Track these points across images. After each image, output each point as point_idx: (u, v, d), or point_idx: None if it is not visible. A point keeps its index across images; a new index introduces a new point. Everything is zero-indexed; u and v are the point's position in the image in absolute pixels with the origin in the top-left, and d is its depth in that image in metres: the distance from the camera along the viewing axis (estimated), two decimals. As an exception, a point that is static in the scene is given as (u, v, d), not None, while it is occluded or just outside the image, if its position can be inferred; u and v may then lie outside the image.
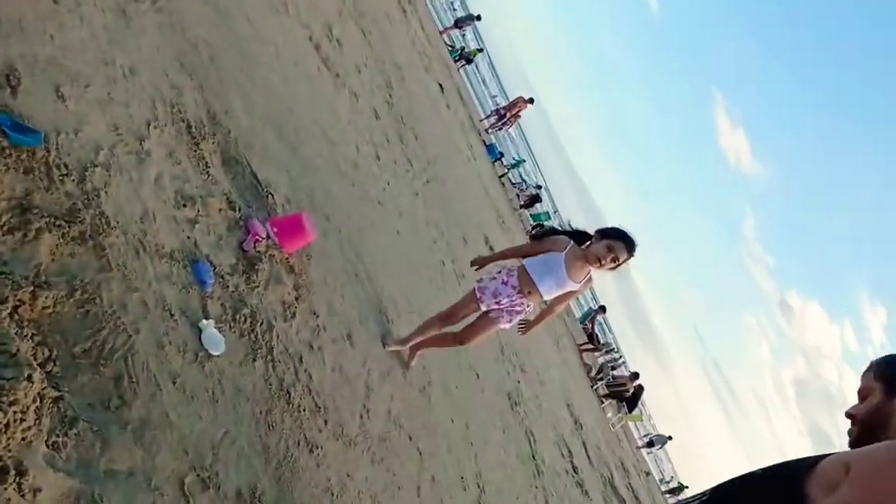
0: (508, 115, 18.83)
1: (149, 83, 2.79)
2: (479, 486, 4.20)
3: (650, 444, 23.32)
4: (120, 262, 2.03)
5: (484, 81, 24.76)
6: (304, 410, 2.59)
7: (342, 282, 3.72)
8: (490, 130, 18.80)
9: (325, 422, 2.72)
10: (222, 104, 3.42)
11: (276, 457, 2.27)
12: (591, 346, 19.04)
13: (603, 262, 3.43)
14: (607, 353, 20.02)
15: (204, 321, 2.27)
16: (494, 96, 25.00)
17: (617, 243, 3.42)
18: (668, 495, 22.68)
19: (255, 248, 2.95)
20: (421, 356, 4.07)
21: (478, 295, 3.68)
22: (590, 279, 3.62)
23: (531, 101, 18.91)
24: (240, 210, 2.97)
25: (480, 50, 22.56)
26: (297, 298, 3.05)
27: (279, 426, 2.38)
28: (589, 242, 3.56)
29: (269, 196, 3.41)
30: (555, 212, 23.12)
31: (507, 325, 3.80)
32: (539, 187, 20.17)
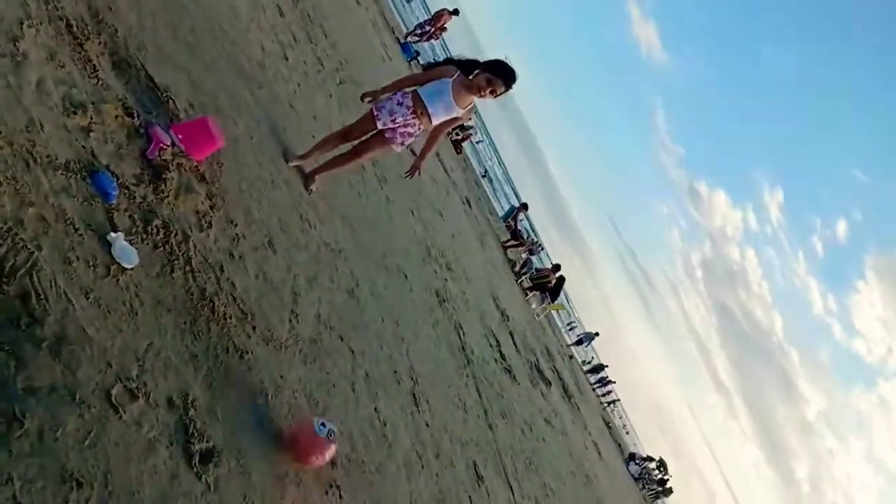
0: (433, 28, 18.04)
1: (14, -25, 2.49)
2: (412, 378, 4.38)
3: (579, 342, 24.83)
4: (9, 175, 1.88)
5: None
6: (231, 318, 2.58)
7: (258, 188, 3.61)
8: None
9: (254, 328, 2.72)
10: (104, 0, 3.11)
11: (206, 364, 2.27)
12: (514, 243, 19.61)
13: (483, 92, 3.82)
14: (530, 248, 20.69)
15: (112, 234, 2.17)
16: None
17: (496, 77, 3.79)
18: (588, 375, 24.43)
19: (160, 156, 2.80)
20: (320, 179, 4.38)
21: (375, 113, 3.95)
22: (472, 108, 4.03)
23: (455, 12, 18.13)
24: (138, 116, 2.78)
25: None
26: (211, 207, 2.95)
27: (206, 335, 2.37)
28: (477, 72, 3.87)
29: (170, 101, 3.20)
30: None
31: (399, 149, 4.13)
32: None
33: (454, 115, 3.97)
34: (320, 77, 6.80)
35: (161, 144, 2.83)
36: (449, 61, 4.20)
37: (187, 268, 2.50)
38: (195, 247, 2.64)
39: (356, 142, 4.24)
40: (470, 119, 4.52)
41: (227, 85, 4.09)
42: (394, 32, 17.15)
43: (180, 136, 3.02)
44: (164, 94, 3.17)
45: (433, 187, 11.13)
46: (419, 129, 4.04)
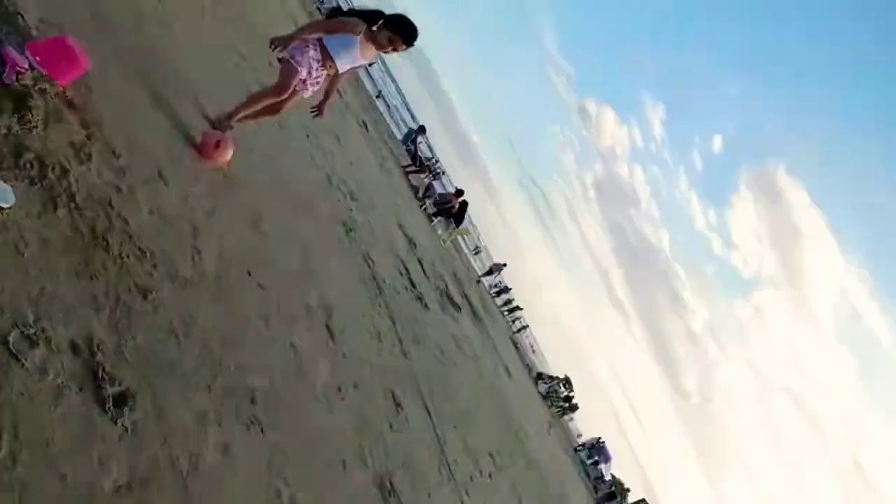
0: None
1: None
2: (324, 310, 4.41)
3: (489, 273, 25.56)
4: None
5: None
6: (128, 257, 2.49)
7: (138, 116, 3.41)
8: None
9: (154, 266, 2.64)
10: None
11: (108, 305, 2.20)
12: (415, 168, 19.60)
13: (385, 49, 4.24)
14: (432, 172, 20.77)
15: (-20, 170, 2.01)
16: None
17: (397, 36, 4.16)
18: (496, 297, 25.39)
19: (17, 80, 2.56)
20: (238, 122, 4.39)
21: (296, 66, 4.14)
22: (374, 58, 4.48)
23: None
24: (-12, 34, 2.52)
25: None
26: (88, 137, 2.77)
27: (103, 275, 2.28)
28: (381, 22, 4.19)
29: (19, 16, 2.91)
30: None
31: (307, 95, 4.40)
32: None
33: (357, 65, 4.40)
34: (192, -11, 6.33)
35: (17, 67, 2.59)
36: (353, 13, 4.46)
37: (72, 205, 2.36)
38: (77, 181, 2.48)
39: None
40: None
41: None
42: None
43: (38, 58, 2.76)
44: (11, 8, 2.87)
45: (326, 111, 10.81)
46: (325, 76, 4.36)
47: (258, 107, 4.33)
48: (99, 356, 1.99)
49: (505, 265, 26.59)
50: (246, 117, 4.39)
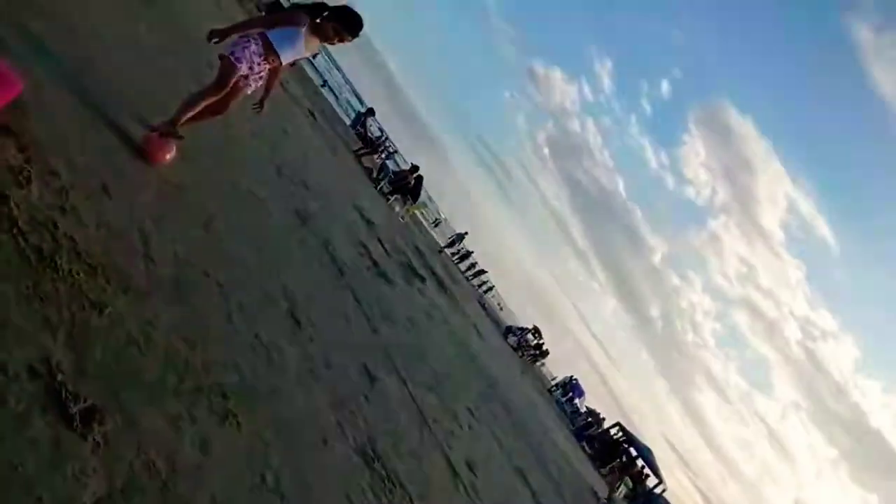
0: None
1: None
2: (287, 300, 4.37)
3: (451, 243, 25.60)
4: None
5: None
6: (79, 274, 2.41)
7: (77, 133, 3.28)
8: None
9: (107, 280, 2.57)
10: None
11: (62, 326, 2.14)
12: (367, 150, 19.38)
13: (331, 41, 4.14)
14: (384, 152, 20.58)
15: (-88, 208, 1.91)
16: None
17: (343, 29, 4.08)
18: (459, 263, 25.47)
19: (-54, 112, 2.44)
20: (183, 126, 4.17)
21: (237, 65, 3.98)
22: (319, 50, 4.44)
23: None
24: None
25: None
26: (26, 161, 2.65)
27: (54, 296, 2.21)
28: (325, 14, 4.08)
29: (-58, 45, 2.76)
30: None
31: (250, 90, 4.26)
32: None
33: (300, 57, 4.31)
34: (120, -1, 6.06)
35: (-56, 98, 2.47)
36: (296, 7, 4.39)
37: (14, 230, 2.28)
38: (18, 206, 2.39)
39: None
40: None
41: (13, 18, 3.55)
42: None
43: (-34, 85, 2.63)
44: (-68, 39, 2.72)
45: (272, 105, 10.58)
46: (267, 70, 4.20)
47: (200, 107, 4.12)
48: (59, 376, 1.95)
49: (466, 234, 26.72)
50: (191, 119, 4.18)
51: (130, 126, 3.98)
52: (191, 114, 4.08)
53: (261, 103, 4.53)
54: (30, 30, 3.70)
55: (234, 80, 4.04)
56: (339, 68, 27.61)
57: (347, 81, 28.88)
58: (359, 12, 4.16)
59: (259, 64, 4.09)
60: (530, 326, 27.69)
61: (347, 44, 4.21)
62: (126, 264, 2.78)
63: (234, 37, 4.03)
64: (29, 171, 2.63)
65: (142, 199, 3.40)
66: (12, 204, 2.37)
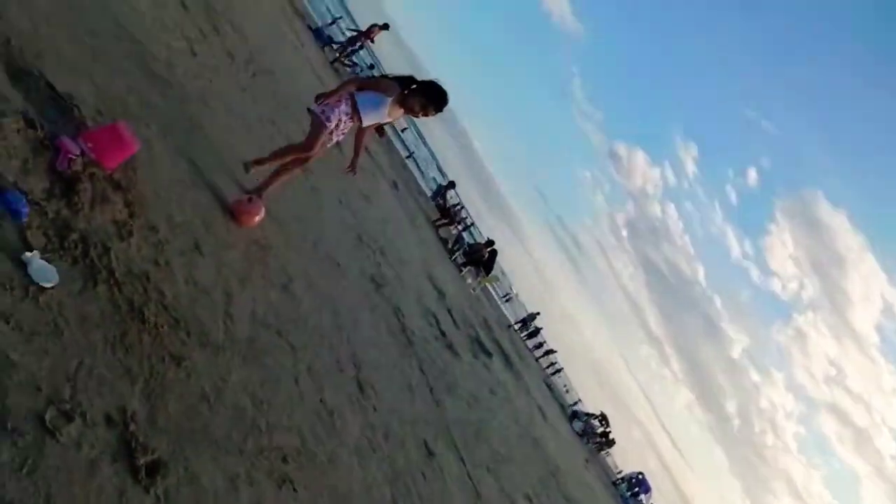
0: (363, 40, 17.62)
1: None
2: (355, 366, 4.39)
3: (523, 323, 25.31)
4: None
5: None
6: (163, 327, 2.52)
7: (178, 192, 3.50)
8: (343, 61, 17.40)
9: (188, 334, 2.66)
10: (-10, 7, 2.91)
11: (142, 376, 2.22)
12: (445, 221, 19.73)
13: (416, 114, 4.27)
14: (460, 224, 20.88)
15: (27, 253, 2.07)
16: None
17: (429, 102, 4.20)
18: (527, 340, 25.02)
19: (70, 167, 2.67)
20: (266, 196, 4.45)
21: (327, 124, 4.20)
22: (403, 120, 4.67)
23: (385, 26, 17.89)
24: (43, 128, 2.63)
25: None
26: (130, 216, 2.85)
27: (138, 347, 2.31)
28: (413, 87, 4.21)
29: (76, 109, 3.05)
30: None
31: (330, 144, 4.45)
32: (372, 66, 19.58)
33: (383, 122, 4.46)
34: (232, 70, 6.60)
35: (70, 155, 2.70)
36: (387, 77, 4.46)
37: (111, 280, 2.42)
38: (117, 258, 2.55)
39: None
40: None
41: (136, 87, 3.92)
42: (304, 20, 16.73)
43: (90, 145, 2.88)
44: (69, 103, 3.02)
45: (359, 173, 11.02)
46: (349, 128, 4.40)
47: (285, 160, 4.47)
48: (132, 426, 2.00)
49: (537, 314, 26.30)
50: (277, 176, 4.48)
51: (226, 187, 4.23)
52: (279, 162, 4.49)
53: (352, 165, 4.70)
54: (150, 96, 4.06)
55: (322, 139, 4.29)
56: (425, 142, 28.66)
57: (432, 155, 29.87)
58: (445, 88, 4.27)
59: (345, 122, 4.30)
60: (597, 413, 26.53)
61: (431, 117, 4.33)
62: (207, 320, 2.89)
63: (334, 100, 4.27)
64: (131, 225, 2.81)
65: (229, 257, 3.56)
66: (112, 256, 2.53)
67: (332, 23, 18.51)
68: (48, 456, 1.66)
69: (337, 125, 4.27)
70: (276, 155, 4.53)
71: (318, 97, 4.29)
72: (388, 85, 4.26)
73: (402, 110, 4.31)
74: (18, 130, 2.50)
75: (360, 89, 4.32)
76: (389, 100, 4.21)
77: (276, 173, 4.52)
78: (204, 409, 2.45)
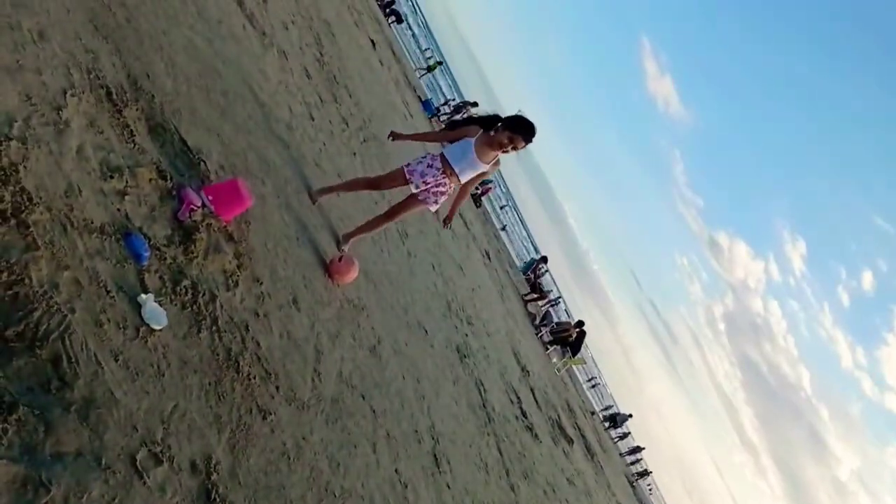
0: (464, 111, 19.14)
1: (61, 48, 2.62)
2: (432, 438, 4.30)
3: (613, 422, 24.15)
4: (47, 239, 1.93)
5: (415, 36, 24.46)
6: (255, 378, 2.58)
7: (284, 247, 3.66)
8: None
9: (277, 388, 2.71)
10: (143, 68, 3.24)
11: (229, 426, 2.26)
12: (535, 296, 19.49)
13: (505, 147, 4.02)
14: (550, 301, 20.55)
15: (143, 295, 2.20)
16: (426, 49, 24.67)
17: (516, 133, 3.99)
18: (606, 423, 23.74)
19: (190, 217, 2.86)
20: (352, 243, 4.55)
21: (408, 176, 4.19)
22: (497, 162, 4.20)
23: (475, 104, 19.74)
24: (171, 179, 2.85)
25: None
26: (238, 266, 2.99)
27: (230, 395, 2.36)
28: (498, 127, 4.06)
29: (202, 163, 3.29)
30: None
31: (434, 207, 4.33)
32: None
33: (480, 171, 4.20)
34: (345, 136, 6.97)
35: (192, 206, 2.89)
36: (470, 120, 4.43)
37: (213, 328, 2.52)
38: (222, 306, 2.66)
39: (383, 193, 4.83)
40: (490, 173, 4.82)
41: (257, 146, 4.20)
42: (415, 91, 17.60)
43: (211, 198, 3.09)
44: (197, 157, 3.26)
45: (453, 241, 11.19)
46: (450, 187, 4.25)
47: (350, 190, 4.72)
48: (214, 476, 2.02)
49: (630, 416, 24.97)
50: (360, 230, 4.56)
51: (328, 246, 4.38)
52: (343, 191, 4.74)
53: (446, 220, 4.64)
54: (268, 155, 4.33)
55: (390, 184, 4.36)
56: (520, 216, 28.89)
57: (525, 227, 29.98)
58: (531, 120, 4.08)
59: (438, 178, 4.17)
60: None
61: (520, 150, 4.09)
62: (296, 376, 2.94)
63: (408, 142, 4.42)
64: (238, 276, 2.95)
65: (324, 315, 3.65)
66: (218, 304, 2.64)
67: (445, 103, 19.81)
68: (134, 497, 1.69)
69: (426, 182, 4.17)
70: (347, 185, 4.73)
71: (393, 134, 4.36)
72: (467, 129, 4.16)
73: (493, 151, 4.10)
74: (151, 180, 2.72)
75: (443, 140, 4.35)
76: (472, 141, 4.08)
77: (366, 225, 4.58)
78: (283, 466, 2.45)
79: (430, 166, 4.16)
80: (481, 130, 4.11)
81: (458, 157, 4.12)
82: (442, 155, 4.20)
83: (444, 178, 4.17)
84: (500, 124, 4.08)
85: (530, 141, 4.06)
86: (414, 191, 4.24)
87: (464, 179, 4.21)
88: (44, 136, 2.21)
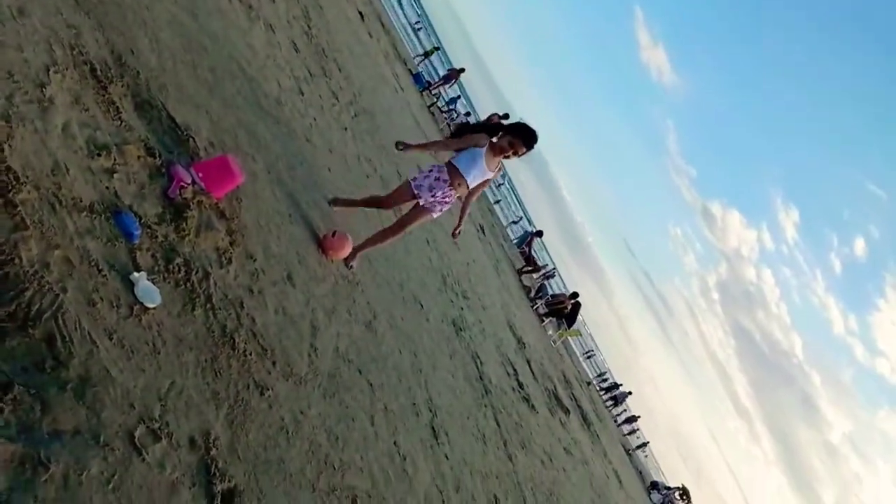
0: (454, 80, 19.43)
1: (41, 24, 2.56)
2: (430, 410, 4.34)
3: (614, 401, 24.33)
4: (35, 218, 1.91)
5: (402, 6, 24.12)
6: (251, 354, 2.58)
7: (276, 223, 3.64)
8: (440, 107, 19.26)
9: (273, 363, 2.72)
10: (126, 44, 3.19)
11: (227, 402, 2.27)
12: (529, 269, 19.55)
13: (507, 154, 4.20)
14: (545, 273, 20.61)
15: (135, 274, 2.19)
16: (416, 22, 24.34)
17: (517, 139, 4.17)
18: (603, 393, 24.01)
19: (180, 194, 2.83)
20: (360, 257, 4.51)
21: (415, 191, 4.29)
22: (501, 167, 4.43)
23: (462, 70, 19.92)
24: (160, 156, 2.82)
25: None
26: (231, 244, 2.98)
27: (226, 372, 2.37)
28: (500, 134, 4.24)
29: (191, 139, 3.26)
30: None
31: (437, 215, 4.44)
32: (468, 114, 20.04)
33: (487, 178, 4.38)
34: (335, 110, 6.90)
35: (182, 183, 2.87)
36: (477, 127, 4.57)
37: (208, 305, 2.51)
38: (216, 283, 2.65)
39: (391, 208, 4.79)
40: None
41: (246, 122, 4.15)
42: (405, 64, 17.40)
43: (201, 175, 3.06)
44: (185, 133, 3.22)
45: (447, 216, 11.16)
46: (454, 196, 4.37)
47: (363, 206, 4.77)
48: (213, 451, 2.03)
49: (629, 393, 25.19)
50: (369, 242, 4.51)
51: (322, 221, 4.36)
52: (353, 207, 4.80)
53: (455, 232, 4.73)
54: (258, 130, 4.29)
55: (398, 200, 4.45)
56: (514, 190, 28.80)
57: (519, 200, 29.92)
58: (533, 128, 4.21)
59: (445, 190, 4.26)
60: (678, 486, 24.94)
61: (522, 156, 4.25)
62: (293, 351, 2.94)
63: (416, 151, 4.46)
64: (231, 252, 2.93)
65: (319, 291, 3.64)
66: (212, 281, 2.64)
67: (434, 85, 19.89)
68: (133, 474, 1.70)
69: (433, 195, 4.26)
70: (361, 202, 4.80)
71: (399, 144, 4.35)
72: (475, 137, 4.28)
73: (497, 158, 4.27)
74: (139, 157, 2.69)
75: (451, 149, 4.40)
76: (482, 150, 4.21)
77: (375, 237, 4.55)
78: (282, 440, 2.47)
79: (437, 179, 4.27)
80: (488, 140, 4.26)
81: (468, 166, 4.24)
82: (450, 164, 4.29)
83: (451, 190, 4.28)
84: (502, 132, 4.26)
85: (531, 147, 4.22)
86: (422, 204, 4.33)
87: (472, 185, 4.34)
88: (28, 114, 2.18)
